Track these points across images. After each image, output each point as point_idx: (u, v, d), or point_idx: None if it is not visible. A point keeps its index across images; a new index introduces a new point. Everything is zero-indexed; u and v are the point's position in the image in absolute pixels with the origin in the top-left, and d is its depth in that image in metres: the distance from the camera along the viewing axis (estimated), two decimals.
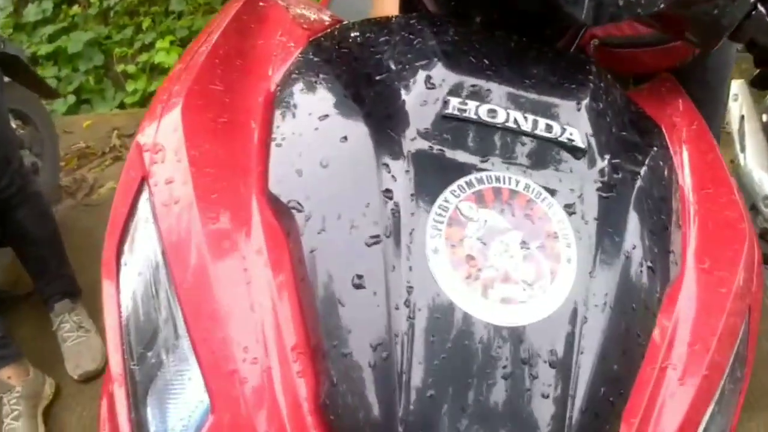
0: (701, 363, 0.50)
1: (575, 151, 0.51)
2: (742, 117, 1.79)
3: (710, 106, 1.29)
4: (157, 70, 3.37)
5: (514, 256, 0.45)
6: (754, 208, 1.82)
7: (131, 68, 3.40)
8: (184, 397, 0.45)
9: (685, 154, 0.62)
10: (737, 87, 1.86)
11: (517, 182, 0.48)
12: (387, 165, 0.48)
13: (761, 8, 0.65)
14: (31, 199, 1.70)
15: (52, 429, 1.60)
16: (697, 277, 0.54)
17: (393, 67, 0.54)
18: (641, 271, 0.49)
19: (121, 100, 3.40)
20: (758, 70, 1.92)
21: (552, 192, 0.48)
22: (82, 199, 2.40)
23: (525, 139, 0.50)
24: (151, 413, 0.46)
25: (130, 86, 3.38)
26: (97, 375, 1.73)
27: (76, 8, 3.57)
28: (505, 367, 0.42)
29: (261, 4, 0.63)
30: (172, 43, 3.37)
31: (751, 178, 1.70)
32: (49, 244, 1.77)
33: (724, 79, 1.31)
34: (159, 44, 3.36)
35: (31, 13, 3.45)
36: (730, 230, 0.57)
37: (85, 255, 2.01)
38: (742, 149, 1.76)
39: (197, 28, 3.38)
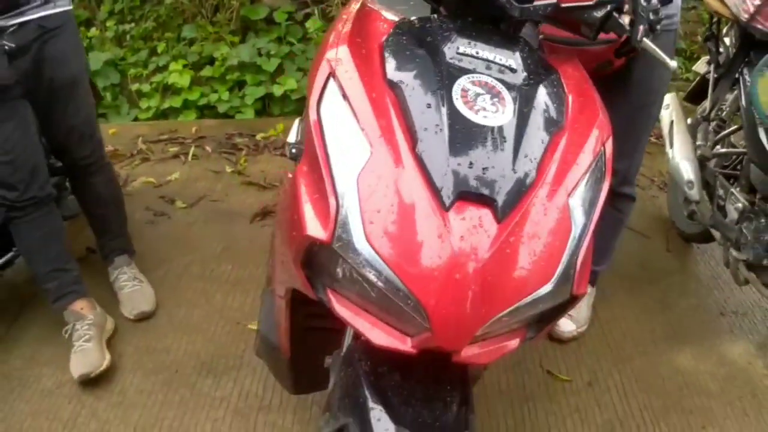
0: (572, 163, 1.06)
1: (512, 70, 1.11)
2: (672, 122, 2.47)
3: (644, 110, 1.97)
4: (170, 90, 4.00)
5: (487, 102, 1.04)
6: (686, 200, 2.48)
7: (145, 87, 4.01)
8: (355, 153, 0.98)
9: (571, 82, 1.22)
10: (669, 98, 2.55)
11: (488, 78, 1.08)
12: (439, 70, 1.07)
13: (615, 14, 1.27)
14: (105, 168, 2.28)
15: (112, 355, 2.10)
16: (572, 128, 1.10)
17: (436, 37, 1.14)
18: (542, 114, 1.06)
19: (135, 116, 3.99)
20: (692, 86, 2.66)
21: (503, 83, 1.08)
22: None
23: (491, 64, 1.11)
24: (336, 170, 0.98)
25: (143, 104, 3.98)
26: (149, 316, 2.29)
27: (93, 31, 4.21)
28: (485, 138, 1.00)
29: (366, 8, 1.25)
30: (184, 66, 4.01)
31: (677, 168, 2.37)
32: (115, 206, 2.35)
33: (651, 99, 1.96)
34: (172, 66, 3.99)
35: None
36: (590, 111, 1.15)
37: None
38: (671, 146, 2.43)
39: (207, 53, 4.03)
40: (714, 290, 2.55)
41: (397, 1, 1.34)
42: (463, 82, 1.04)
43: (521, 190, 0.98)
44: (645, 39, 1.27)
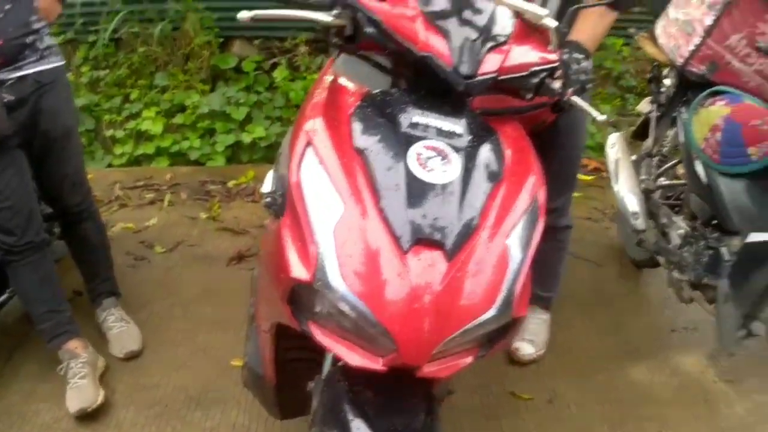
0: (510, 209, 1.27)
1: (458, 135, 1.31)
2: (617, 159, 2.74)
3: (572, 153, 2.25)
4: (143, 137, 4.19)
5: (437, 163, 1.24)
6: (634, 229, 2.74)
7: (119, 133, 4.19)
8: (331, 209, 1.19)
9: (509, 141, 1.44)
10: (614, 138, 2.82)
11: (438, 143, 1.29)
12: (398, 138, 1.28)
13: (547, 81, 1.51)
14: (94, 214, 2.48)
15: (105, 392, 2.26)
16: (509, 179, 1.31)
17: (395, 109, 1.35)
18: (483, 170, 1.27)
19: (109, 162, 4.17)
20: (637, 125, 2.95)
21: (450, 146, 1.29)
22: None
23: (440, 130, 1.31)
24: (315, 222, 1.18)
25: (117, 150, 4.15)
26: (137, 355, 2.46)
27: (69, 76, 4.37)
28: (436, 193, 1.21)
29: (337, 83, 1.46)
30: (157, 113, 4.21)
31: (623, 201, 2.63)
32: (103, 251, 2.54)
33: (578, 143, 2.29)
34: (145, 113, 4.19)
35: None
36: (526, 164, 1.36)
37: None
38: (617, 181, 2.69)
39: (178, 101, 4.22)
40: (665, 309, 2.82)
41: (362, 72, 1.57)
42: (417, 147, 1.27)
43: (467, 234, 1.20)
44: (574, 97, 1.52)
